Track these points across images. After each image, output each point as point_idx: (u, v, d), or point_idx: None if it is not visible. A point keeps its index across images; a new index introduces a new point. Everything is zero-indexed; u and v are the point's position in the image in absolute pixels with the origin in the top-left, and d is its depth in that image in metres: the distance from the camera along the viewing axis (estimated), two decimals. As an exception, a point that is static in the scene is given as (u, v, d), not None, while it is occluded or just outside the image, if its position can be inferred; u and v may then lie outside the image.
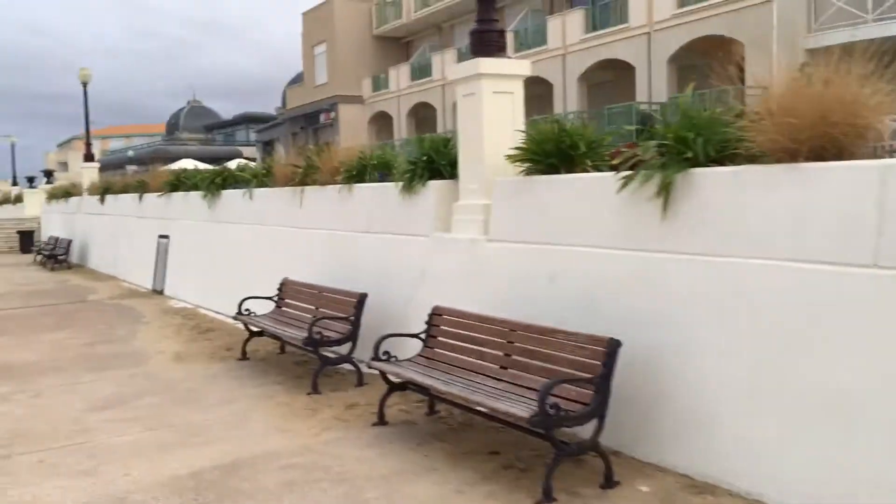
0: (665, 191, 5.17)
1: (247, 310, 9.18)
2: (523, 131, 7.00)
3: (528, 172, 6.74)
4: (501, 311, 6.45)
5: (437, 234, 7.69)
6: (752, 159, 5.00)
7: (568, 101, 25.78)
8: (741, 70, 20.81)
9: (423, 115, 36.49)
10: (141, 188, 17.57)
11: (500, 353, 5.88)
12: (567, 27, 26.55)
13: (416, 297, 7.90)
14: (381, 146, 12.44)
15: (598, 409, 4.88)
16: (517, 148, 6.77)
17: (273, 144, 49.32)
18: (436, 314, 6.72)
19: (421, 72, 35.97)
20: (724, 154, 5.16)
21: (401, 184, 8.18)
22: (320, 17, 39.93)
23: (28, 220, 32.10)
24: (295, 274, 9.67)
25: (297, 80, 45.22)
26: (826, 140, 4.47)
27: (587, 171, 6.35)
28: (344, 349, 7.86)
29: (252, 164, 17.33)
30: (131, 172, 40.06)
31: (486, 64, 7.08)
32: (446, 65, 33.56)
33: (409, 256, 8.09)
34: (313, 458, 5.77)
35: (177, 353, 9.62)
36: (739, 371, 4.79)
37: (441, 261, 7.60)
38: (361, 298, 7.84)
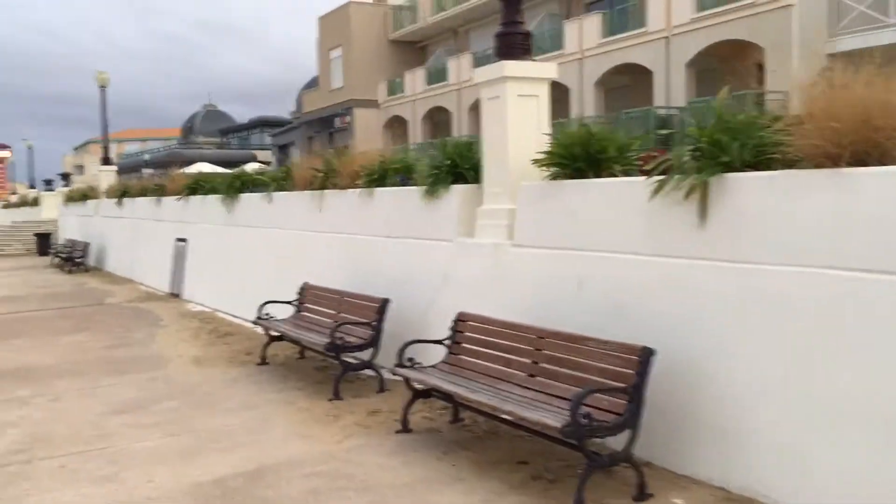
0: (701, 196, 5.04)
1: (267, 314, 9.11)
2: (550, 135, 6.89)
3: (554, 177, 6.63)
4: (526, 317, 6.35)
5: (460, 239, 7.59)
6: (789, 164, 4.88)
7: (584, 106, 25.63)
8: (761, 74, 20.67)
9: (438, 119, 36.42)
10: (158, 191, 17.57)
11: (528, 361, 5.77)
12: (584, 31, 26.41)
13: (438, 303, 7.81)
14: (403, 150, 12.36)
15: (631, 419, 4.76)
16: (544, 152, 6.66)
17: (288, 148, 49.43)
18: (460, 320, 6.62)
19: (436, 76, 35.92)
20: (761, 159, 5.03)
21: (423, 188, 8.09)
22: (336, 21, 39.97)
23: (45, 223, 32.24)
24: (314, 278, 9.60)
25: (313, 84, 45.29)
26: (869, 145, 4.35)
27: (615, 176, 6.25)
28: (365, 355, 7.78)
29: (267, 167, 17.33)
30: (147, 176, 40.25)
31: (511, 67, 6.98)
32: (462, 69, 33.53)
33: (431, 261, 7.99)
34: (337, 465, 5.68)
35: (195, 357, 9.56)
36: (776, 380, 4.66)
37: (464, 266, 7.50)
38: (383, 304, 7.75)
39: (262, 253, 12.07)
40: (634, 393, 4.77)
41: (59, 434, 6.60)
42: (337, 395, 7.41)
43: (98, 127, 26.07)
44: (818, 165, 4.55)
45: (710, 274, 5.06)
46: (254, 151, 59.52)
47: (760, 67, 20.87)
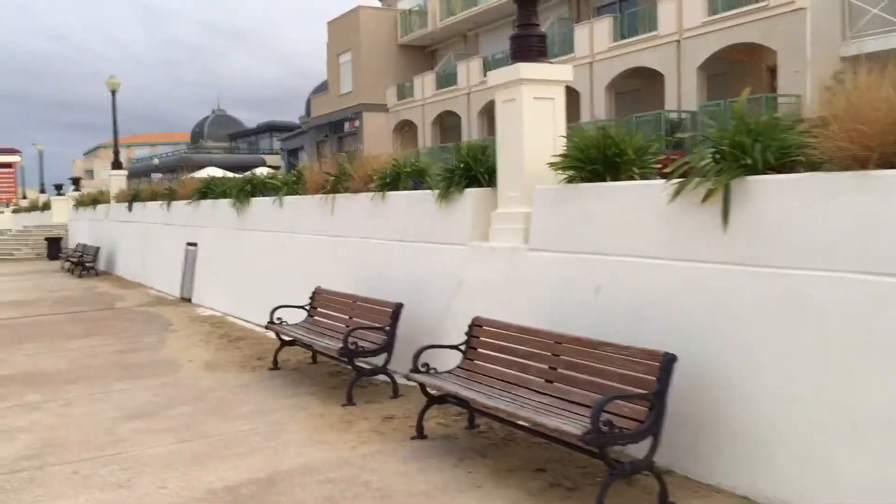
0: (723, 199, 4.95)
1: (278, 318, 9.05)
2: (567, 137, 6.81)
3: (571, 180, 6.54)
4: (542, 322, 6.27)
5: (474, 243, 7.52)
6: (813, 167, 4.79)
7: (595, 110, 25.55)
8: (773, 77, 20.56)
9: (447, 123, 36.39)
10: (169, 195, 17.56)
11: (545, 367, 5.68)
12: (595, 35, 26.33)
13: (452, 308, 7.73)
14: (416, 153, 12.30)
15: (653, 426, 4.66)
16: (560, 154, 6.58)
17: (297, 153, 49.49)
18: (476, 325, 6.54)
19: (446, 80, 35.89)
20: (784, 161, 4.94)
21: (437, 191, 8.02)
22: (346, 26, 40.00)
23: (56, 227, 32.34)
24: (326, 282, 9.53)
25: (322, 88, 45.32)
26: (899, 146, 4.25)
27: (633, 179, 6.16)
28: (379, 360, 7.70)
29: (277, 172, 17.27)
30: (157, 180, 40.36)
31: (527, 69, 6.91)
32: (471, 73, 33.49)
33: (445, 266, 7.92)
34: (352, 472, 5.60)
35: (207, 362, 9.51)
36: (802, 387, 4.57)
37: (478, 270, 7.43)
38: (397, 308, 7.67)
39: (273, 257, 12.02)
40: (656, 400, 4.68)
41: (71, 440, 6.55)
42: (350, 401, 7.34)
43: (108, 132, 26.11)
44: (844, 168, 4.46)
45: (733, 278, 4.97)
46: (263, 156, 59.70)
47: (773, 71, 20.76)
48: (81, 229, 27.33)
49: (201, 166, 37.65)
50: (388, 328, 7.64)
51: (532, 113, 6.98)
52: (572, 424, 4.68)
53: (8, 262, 30.08)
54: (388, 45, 39.45)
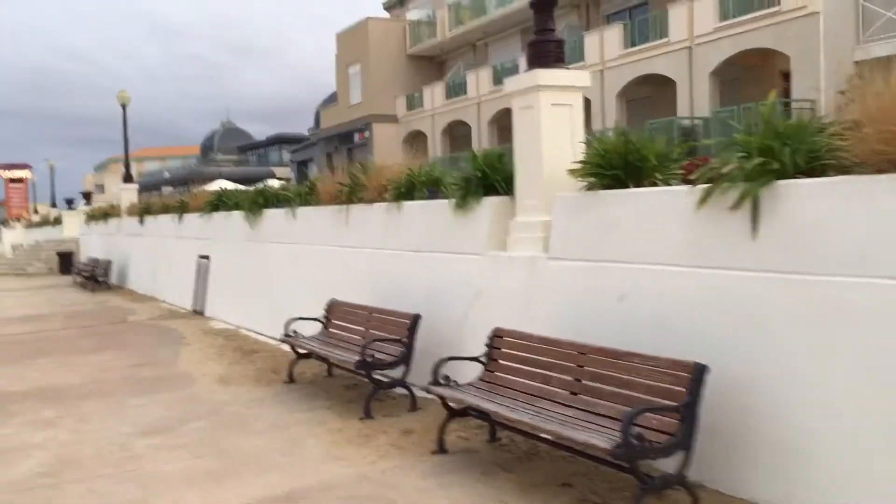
0: (752, 205, 4.82)
1: (293, 331, 8.94)
2: (587, 143, 6.70)
3: (591, 187, 6.43)
4: (563, 332, 6.14)
5: (492, 253, 7.39)
6: (844, 170, 4.66)
7: (607, 117, 25.41)
8: (787, 82, 20.40)
9: (457, 133, 36.32)
10: (181, 208, 17.52)
11: (570, 378, 5.55)
12: (605, 43, 26.23)
13: (471, 318, 7.61)
14: (431, 162, 12.19)
15: (684, 439, 4.52)
16: (581, 161, 6.46)
17: (307, 165, 49.54)
18: (496, 336, 6.42)
19: (455, 90, 35.85)
20: (814, 165, 4.81)
21: (453, 200, 7.91)
22: (354, 37, 40.06)
23: (67, 242, 32.38)
24: (340, 294, 9.43)
25: (331, 100, 45.38)
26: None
27: (656, 185, 6.03)
28: (396, 372, 7.58)
29: (287, 184, 17.24)
30: (167, 194, 40.43)
31: (545, 75, 6.81)
32: (481, 83, 33.44)
33: (463, 276, 7.80)
34: (372, 488, 5.48)
35: (221, 376, 9.40)
36: (841, 398, 4.42)
37: (497, 280, 7.30)
38: (415, 319, 7.55)
39: (287, 269, 11.93)
40: (687, 412, 4.54)
41: (86, 456, 6.45)
42: (368, 415, 7.21)
43: (118, 146, 26.16)
44: (879, 171, 4.33)
45: (764, 286, 4.83)
46: (272, 168, 59.80)
47: (786, 75, 20.60)
48: (93, 243, 27.35)
49: (211, 179, 37.71)
50: (405, 340, 7.52)
51: (550, 120, 6.87)
52: (601, 438, 4.54)
53: (20, 276, 30.14)
54: (397, 55, 39.47)
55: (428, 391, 6.33)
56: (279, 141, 69.96)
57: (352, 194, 10.13)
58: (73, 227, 32.86)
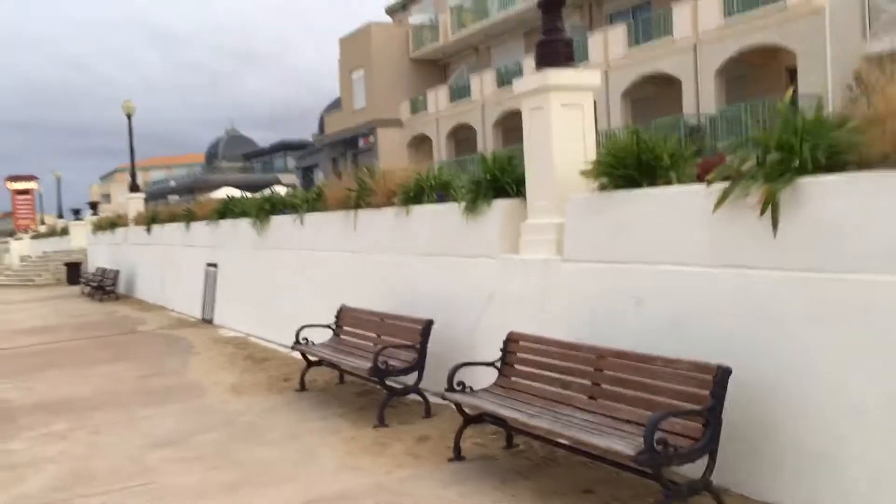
0: (773, 203, 4.72)
1: (304, 338, 8.87)
2: (598, 143, 6.62)
3: (603, 188, 6.34)
4: (579, 335, 6.05)
5: (504, 256, 7.31)
6: (867, 165, 4.56)
7: (612, 117, 25.33)
8: (793, 79, 20.28)
9: (462, 136, 36.28)
10: (188, 217, 17.48)
11: (588, 383, 5.46)
12: (609, 42, 26.15)
13: (483, 323, 7.53)
14: (440, 165, 12.15)
15: (708, 444, 4.43)
16: (594, 162, 6.38)
17: (312, 171, 49.53)
18: (511, 340, 6.33)
19: (459, 93, 35.81)
20: (835, 161, 4.71)
21: (463, 204, 7.83)
22: (357, 42, 40.06)
23: (75, 252, 32.42)
24: (349, 300, 9.35)
25: (335, 105, 45.38)
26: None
27: (671, 185, 5.94)
28: (410, 379, 7.49)
29: (293, 190, 17.16)
30: (173, 202, 40.44)
31: (554, 75, 6.72)
32: (485, 85, 33.39)
33: (474, 280, 7.72)
34: (389, 498, 5.39)
35: (233, 385, 9.33)
36: (867, 397, 4.31)
37: (510, 284, 7.21)
38: (427, 325, 7.47)
39: (296, 276, 11.86)
40: (711, 416, 4.44)
41: (99, 470, 6.38)
42: (382, 422, 7.13)
43: (124, 156, 26.23)
44: (903, 165, 4.23)
45: (785, 285, 4.74)
46: (277, 175, 59.81)
47: (792, 72, 20.49)
48: (100, 253, 27.35)
49: (217, 187, 37.68)
50: (418, 346, 7.44)
51: (561, 121, 6.78)
52: (624, 444, 4.45)
53: (29, 288, 30.18)
54: (400, 60, 39.46)
55: (444, 398, 6.24)
56: (283, 148, 69.95)
57: (360, 199, 10.05)
58: (80, 237, 32.89)
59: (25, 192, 58.68)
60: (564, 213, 6.63)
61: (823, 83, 17.91)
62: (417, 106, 38.47)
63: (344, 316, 9.13)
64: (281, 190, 15.27)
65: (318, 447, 6.66)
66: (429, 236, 8.52)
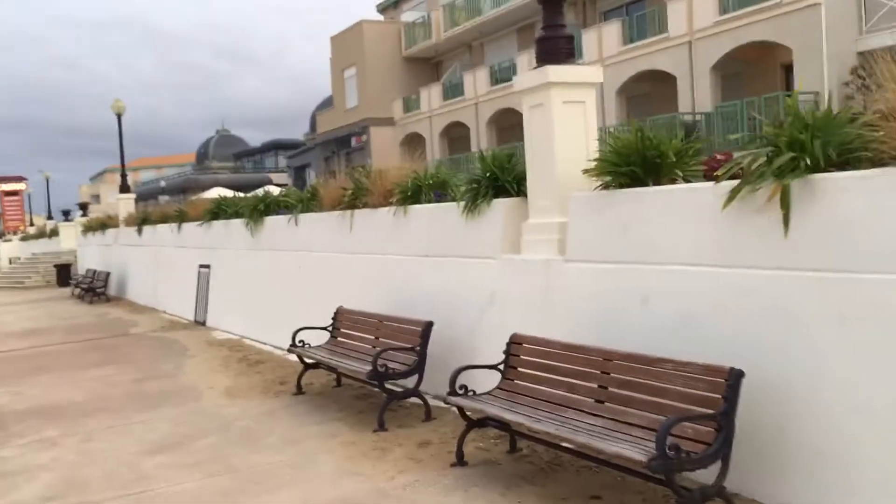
0: (783, 201, 4.61)
1: (300, 341, 8.72)
2: (602, 141, 6.50)
3: (606, 186, 6.22)
4: (583, 337, 5.93)
5: (505, 256, 7.19)
6: (880, 162, 4.46)
7: (607, 115, 25.22)
8: (788, 75, 20.22)
9: (455, 134, 36.15)
10: (179, 217, 17.29)
11: (595, 386, 5.34)
12: (604, 40, 26.05)
13: (484, 324, 7.41)
14: (434, 166, 12.01)
15: (721, 449, 4.32)
16: (597, 159, 6.26)
17: (304, 170, 49.31)
18: (514, 343, 6.21)
19: (452, 91, 35.67)
20: (847, 158, 4.61)
21: (462, 203, 7.70)
22: (349, 40, 39.87)
23: (64, 254, 32.15)
24: (345, 302, 9.21)
25: (327, 104, 45.18)
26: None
27: (676, 183, 5.83)
28: (409, 382, 7.36)
29: (285, 189, 16.99)
30: (164, 203, 40.19)
31: (556, 72, 6.59)
32: (478, 83, 33.26)
33: (475, 281, 7.59)
34: (392, 505, 5.26)
35: (228, 389, 9.18)
36: (880, 400, 4.21)
37: (511, 285, 7.09)
38: (427, 327, 7.34)
39: (290, 277, 11.71)
40: (724, 420, 4.33)
41: (94, 477, 6.23)
42: (382, 426, 7.00)
43: (113, 156, 26.01)
44: (920, 162, 4.12)
45: (797, 285, 4.63)
46: (269, 174, 59.57)
47: (787, 68, 20.43)
48: (90, 255, 27.10)
49: (208, 187, 37.49)
50: (418, 348, 7.31)
51: (562, 118, 6.66)
52: (635, 450, 4.33)
53: (18, 290, 29.89)
54: (392, 58, 39.29)
55: (445, 401, 6.12)
56: (275, 147, 69.70)
57: (356, 199, 9.92)
58: (70, 238, 32.61)
59: (14, 193, 58.27)
60: (567, 212, 6.51)
61: (820, 79, 17.84)
62: (410, 104, 38.32)
63: (341, 318, 8.99)
64: (274, 190, 15.08)
65: (316, 452, 6.53)
66: (427, 236, 8.39)
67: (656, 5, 25.02)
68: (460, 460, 5.93)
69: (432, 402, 7.30)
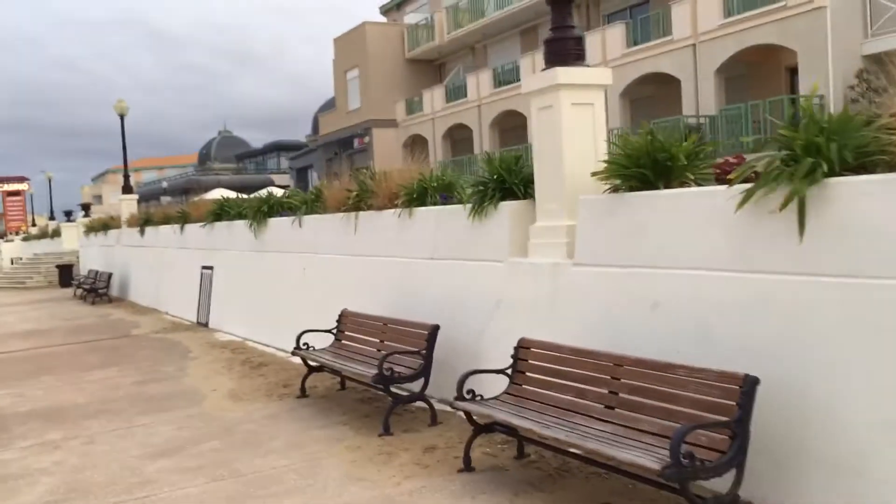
0: (799, 205, 4.54)
1: (305, 343, 8.65)
2: (614, 143, 6.43)
3: (615, 189, 6.15)
4: (591, 342, 5.86)
5: (512, 259, 7.12)
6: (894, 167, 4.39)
7: (610, 117, 25.11)
8: (793, 78, 20.15)
9: (458, 136, 36.07)
10: (182, 218, 17.23)
11: (605, 392, 5.26)
12: (607, 42, 25.98)
13: (490, 328, 7.34)
14: (443, 167, 11.95)
15: (736, 457, 4.24)
16: (607, 162, 6.19)
17: (307, 172, 49.24)
18: (522, 347, 6.13)
19: (455, 93, 35.59)
20: (864, 162, 4.53)
21: (469, 205, 7.64)
22: (352, 42, 39.81)
23: (66, 254, 32.09)
24: (350, 304, 9.14)
25: (329, 105, 45.12)
26: None
27: (687, 186, 5.76)
28: (415, 386, 7.29)
29: (287, 191, 16.92)
30: (166, 203, 40.15)
31: (564, 74, 6.53)
32: (481, 85, 33.19)
33: (481, 284, 7.52)
34: (399, 512, 5.19)
35: (231, 391, 9.11)
36: (900, 410, 4.13)
37: (519, 288, 7.02)
38: (433, 330, 7.26)
39: (294, 279, 11.64)
40: (738, 427, 4.25)
41: (96, 482, 6.16)
42: (387, 431, 6.92)
43: (115, 157, 25.99)
44: (939, 166, 4.05)
45: (813, 291, 4.55)
46: (271, 176, 59.53)
47: (792, 72, 20.36)
48: (92, 255, 27.05)
49: (210, 188, 37.41)
50: (424, 352, 7.23)
51: (571, 120, 6.59)
52: (648, 458, 4.26)
53: (20, 290, 29.84)
54: (395, 59, 39.22)
55: (452, 406, 6.04)
56: (277, 148, 69.71)
57: (360, 201, 9.85)
58: (72, 239, 32.55)
59: (16, 193, 58.31)
60: (575, 215, 6.45)
61: (825, 82, 17.75)
62: (413, 106, 38.24)
63: (345, 320, 8.92)
64: (276, 191, 15.01)
65: (322, 457, 6.45)
66: (433, 239, 8.32)
67: (660, 8, 24.95)
68: (467, 466, 5.85)
69: (437, 406, 7.23)
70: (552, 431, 5.05)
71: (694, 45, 22.73)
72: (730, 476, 4.32)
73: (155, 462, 6.57)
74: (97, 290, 22.03)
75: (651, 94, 25.11)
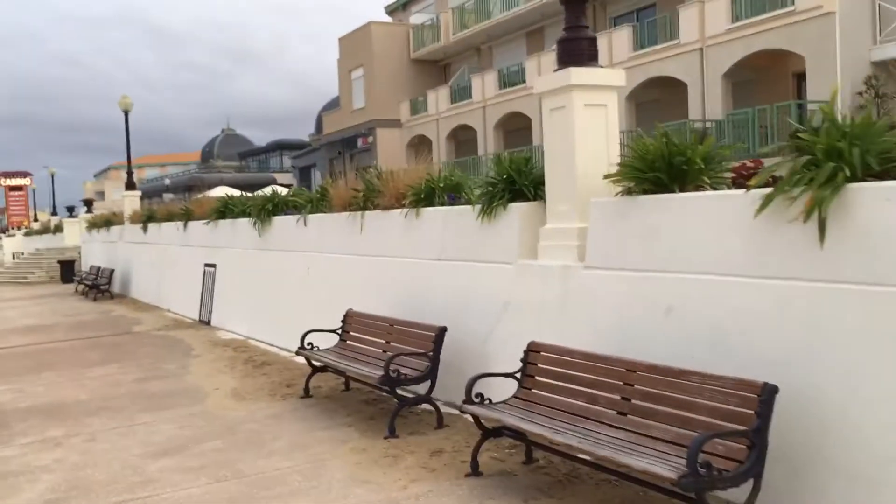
0: (818, 211, 4.45)
1: (309, 343, 8.56)
2: (628, 146, 6.34)
3: (629, 192, 6.06)
4: (602, 346, 5.77)
5: (522, 262, 7.03)
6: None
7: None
8: (801, 84, 20.05)
9: (462, 137, 35.97)
10: (185, 216, 17.15)
11: (617, 398, 5.17)
12: (614, 45, 25.88)
13: (498, 331, 7.25)
14: (450, 167, 11.88)
15: (753, 467, 4.15)
16: (620, 164, 6.10)
17: (310, 171, 49.17)
18: (532, 351, 6.04)
19: (460, 94, 35.48)
20: (887, 167, 4.44)
21: (478, 206, 7.55)
22: (357, 41, 39.74)
23: (68, 250, 32.03)
24: (355, 304, 9.06)
25: (333, 105, 45.04)
26: None
27: (703, 189, 5.67)
28: (421, 388, 7.20)
29: (300, 189, 16.84)
30: (168, 201, 40.07)
31: (578, 74, 6.43)
32: (486, 86, 33.10)
33: (489, 286, 7.43)
34: (406, 516, 5.10)
35: (234, 390, 9.02)
36: (923, 421, 4.04)
37: (527, 291, 6.93)
38: (441, 332, 7.18)
39: (298, 278, 11.55)
40: (756, 437, 4.16)
41: (97, 481, 6.07)
42: (393, 433, 6.83)
43: (118, 153, 25.92)
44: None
45: (833, 297, 4.46)
46: (273, 174, 59.44)
47: (800, 77, 20.27)
48: (94, 251, 26.98)
49: (212, 186, 37.36)
50: (431, 354, 7.15)
51: (584, 121, 6.50)
52: (663, 466, 4.17)
53: (22, 285, 29.77)
54: (400, 59, 39.14)
55: (461, 410, 5.96)
56: (279, 147, 69.61)
57: (367, 200, 9.77)
58: (74, 234, 32.50)
59: (18, 188, 58.27)
60: (586, 217, 6.36)
61: (834, 88, 17.67)
62: (417, 106, 38.15)
63: (350, 321, 8.83)
64: (280, 190, 14.93)
65: (326, 458, 6.37)
66: (440, 239, 8.23)
67: (667, 11, 24.87)
68: (475, 470, 5.76)
69: (444, 408, 7.14)
70: (564, 437, 4.96)
71: (701, 49, 22.64)
72: (747, 486, 4.23)
73: (157, 461, 6.48)
74: (99, 286, 21.96)
75: (657, 98, 25.02)
